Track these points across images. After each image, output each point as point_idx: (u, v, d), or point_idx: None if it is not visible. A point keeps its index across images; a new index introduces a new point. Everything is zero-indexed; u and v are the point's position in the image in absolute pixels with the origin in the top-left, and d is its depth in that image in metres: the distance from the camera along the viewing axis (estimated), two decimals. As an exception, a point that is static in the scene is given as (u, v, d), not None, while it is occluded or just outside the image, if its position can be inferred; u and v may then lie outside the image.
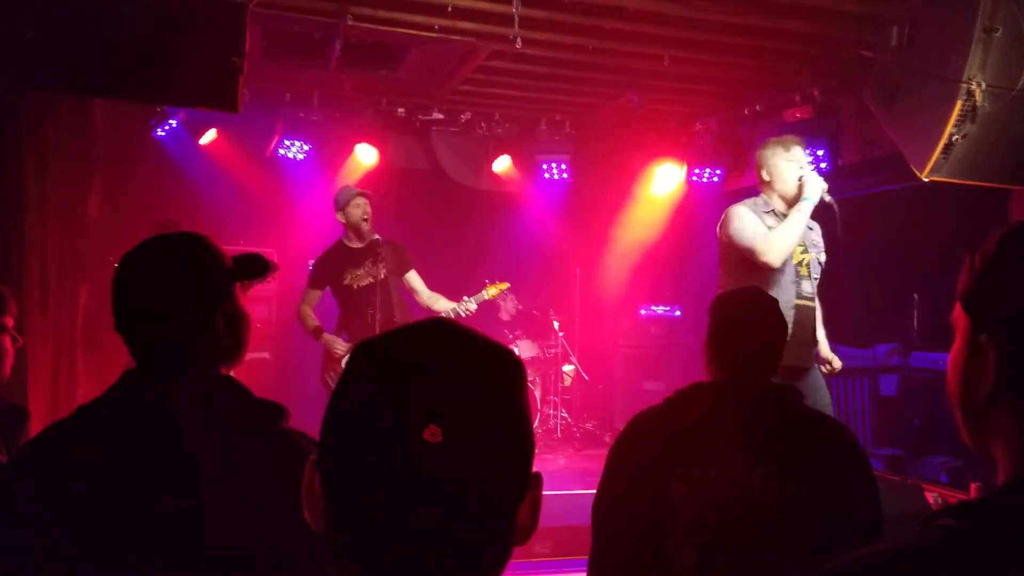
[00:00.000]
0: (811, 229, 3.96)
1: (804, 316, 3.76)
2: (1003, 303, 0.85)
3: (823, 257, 3.97)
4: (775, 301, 2.25)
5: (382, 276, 5.15)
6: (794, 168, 3.82)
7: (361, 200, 5.16)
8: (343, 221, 5.21)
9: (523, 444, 0.79)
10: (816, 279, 3.91)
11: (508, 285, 5.70)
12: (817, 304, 3.95)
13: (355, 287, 5.16)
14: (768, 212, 3.83)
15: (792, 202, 3.81)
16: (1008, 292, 0.85)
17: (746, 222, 3.76)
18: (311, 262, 5.47)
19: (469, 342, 0.80)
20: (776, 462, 1.88)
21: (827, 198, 3.78)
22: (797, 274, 3.80)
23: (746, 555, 1.86)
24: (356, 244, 5.20)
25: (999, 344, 0.84)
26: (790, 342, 3.50)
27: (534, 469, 0.81)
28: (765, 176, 3.88)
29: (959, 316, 0.92)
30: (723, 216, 3.89)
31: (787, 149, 3.85)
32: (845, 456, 1.97)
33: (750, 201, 3.90)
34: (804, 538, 1.85)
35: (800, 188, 3.77)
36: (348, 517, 0.76)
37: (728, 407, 2.00)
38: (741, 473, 1.89)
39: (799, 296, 3.77)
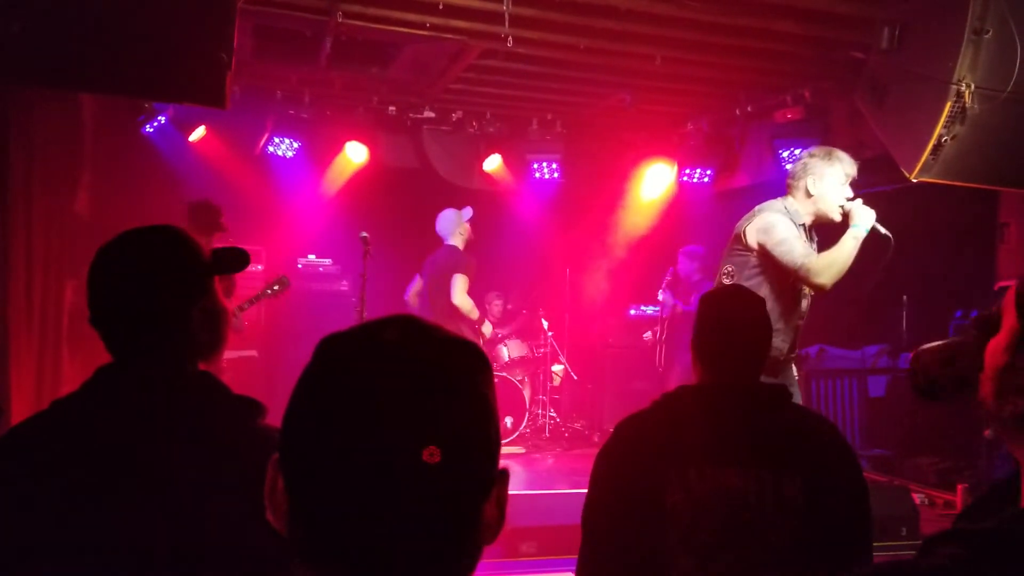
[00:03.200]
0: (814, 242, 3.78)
1: (796, 336, 3.64)
2: None
3: None
4: (761, 300, 2.19)
5: None
6: (841, 195, 3.56)
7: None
8: (463, 236, 6.30)
9: (491, 441, 0.78)
10: (807, 298, 3.76)
11: None
12: None
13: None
14: (800, 225, 3.59)
15: (818, 222, 3.64)
16: None
17: (790, 236, 3.50)
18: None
19: (436, 340, 0.79)
20: (769, 463, 1.85)
21: (882, 230, 3.51)
22: (802, 294, 3.64)
23: (743, 559, 1.83)
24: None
25: None
26: (783, 359, 3.46)
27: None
28: (811, 188, 3.57)
29: (1009, 307, 0.84)
30: (756, 220, 3.59)
31: (845, 176, 3.56)
32: (836, 453, 1.94)
33: (779, 207, 3.62)
34: (799, 538, 1.82)
35: (844, 215, 3.53)
36: (314, 519, 0.74)
37: (717, 410, 1.95)
38: (735, 476, 1.85)
39: (800, 317, 3.64)
